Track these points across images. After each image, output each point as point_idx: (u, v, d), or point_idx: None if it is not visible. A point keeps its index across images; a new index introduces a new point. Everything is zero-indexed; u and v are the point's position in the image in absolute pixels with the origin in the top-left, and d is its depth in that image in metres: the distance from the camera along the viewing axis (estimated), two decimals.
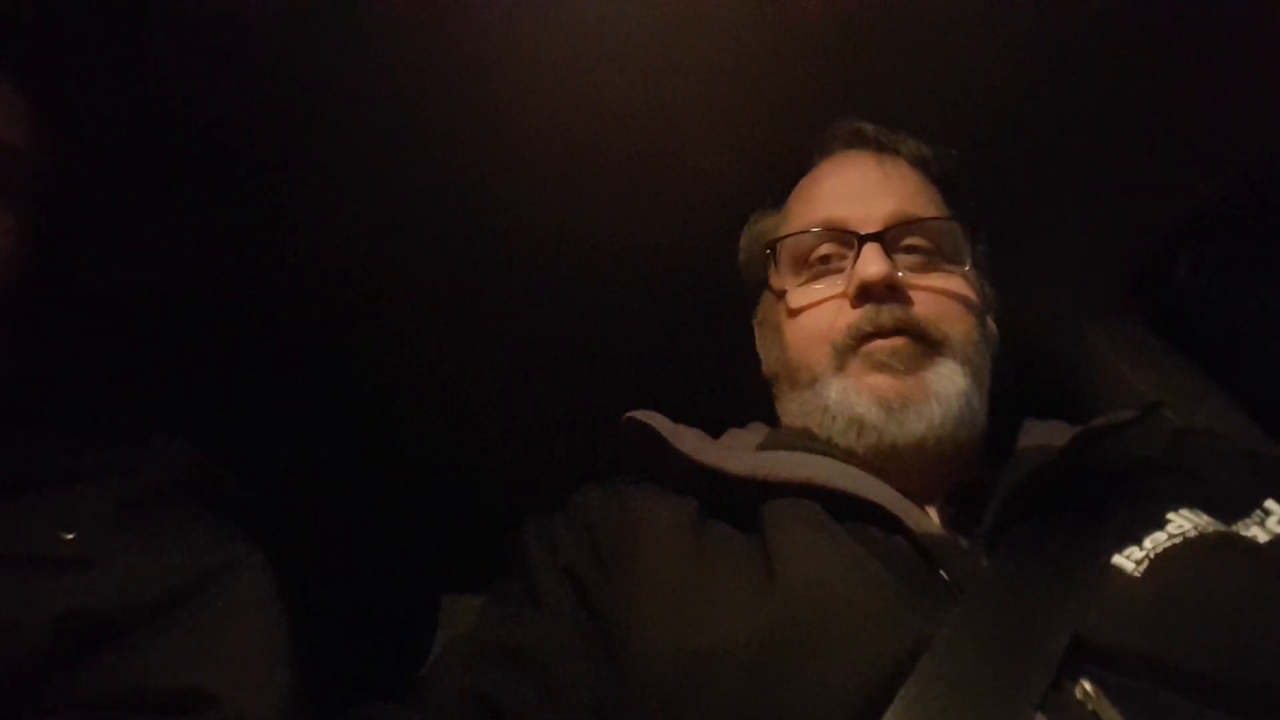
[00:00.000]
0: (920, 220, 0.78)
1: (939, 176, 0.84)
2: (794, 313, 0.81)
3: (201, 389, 0.92)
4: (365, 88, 0.87)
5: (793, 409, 0.80)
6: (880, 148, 0.84)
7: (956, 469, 0.74)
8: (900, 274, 0.76)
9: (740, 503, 0.70)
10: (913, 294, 0.76)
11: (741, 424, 0.87)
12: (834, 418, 0.75)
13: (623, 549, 0.70)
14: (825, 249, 0.80)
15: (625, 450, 0.79)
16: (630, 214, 0.97)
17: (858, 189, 0.81)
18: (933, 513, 0.72)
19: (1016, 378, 0.82)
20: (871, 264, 0.74)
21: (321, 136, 0.90)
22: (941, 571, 0.64)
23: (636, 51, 0.86)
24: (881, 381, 0.73)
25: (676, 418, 0.80)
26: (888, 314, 0.74)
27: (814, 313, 0.79)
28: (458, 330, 1.06)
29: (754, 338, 0.90)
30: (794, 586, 0.61)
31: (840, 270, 0.78)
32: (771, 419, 0.86)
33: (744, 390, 0.88)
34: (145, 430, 0.74)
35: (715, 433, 0.83)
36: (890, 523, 0.67)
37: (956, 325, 0.76)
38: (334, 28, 0.83)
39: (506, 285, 1.03)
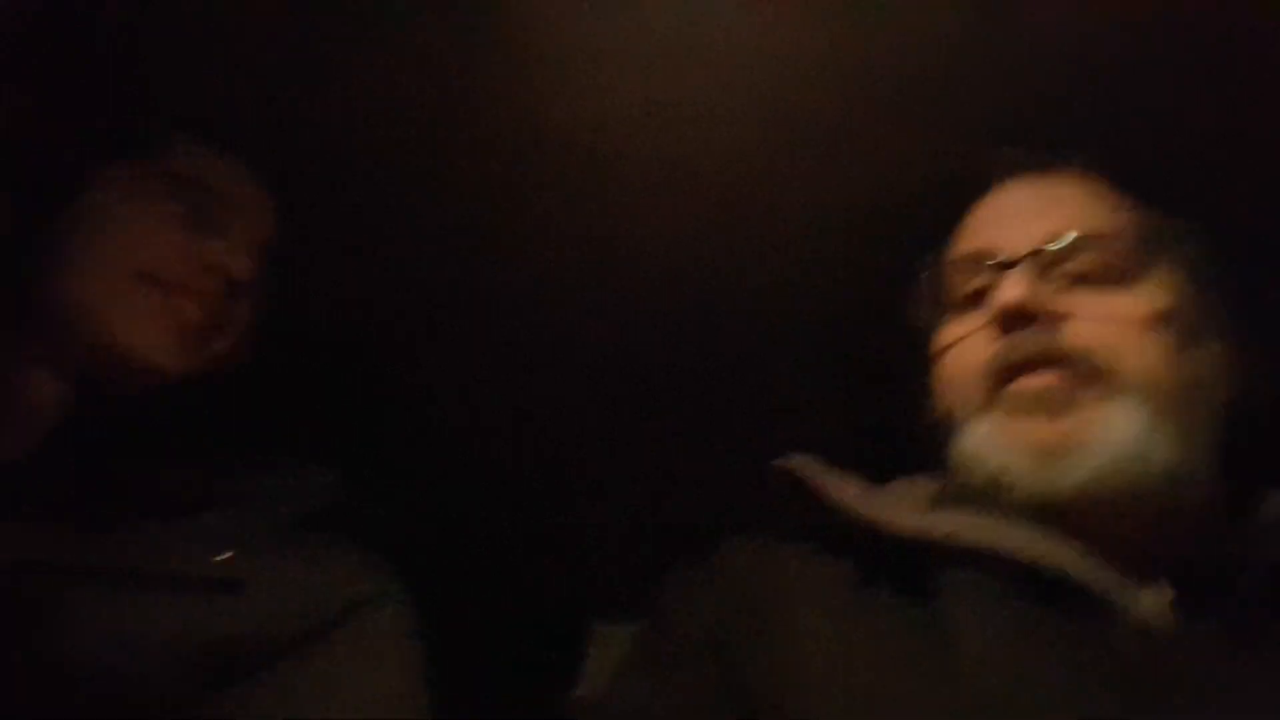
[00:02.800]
0: (1082, 237, 0.67)
1: (1131, 178, 0.73)
2: (943, 350, 0.71)
3: (348, 420, 0.93)
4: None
5: (953, 460, 0.69)
6: (1042, 167, 0.73)
7: (1182, 533, 0.61)
8: (1057, 298, 0.65)
9: (910, 565, 0.60)
10: (1073, 321, 0.64)
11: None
12: (975, 469, 0.64)
13: (776, 609, 0.62)
14: (977, 282, 0.70)
15: (775, 500, 0.71)
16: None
17: (1009, 214, 0.71)
18: (1162, 593, 0.58)
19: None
20: (1009, 289, 0.64)
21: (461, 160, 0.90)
22: (1163, 671, 0.52)
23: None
24: (1026, 427, 0.62)
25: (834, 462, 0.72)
26: (1031, 343, 0.63)
27: (959, 349, 0.69)
28: (608, 357, 1.03)
29: None
30: (981, 690, 0.52)
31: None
32: None
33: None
34: (296, 460, 0.76)
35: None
36: (1104, 609, 0.55)
37: (1134, 353, 0.63)
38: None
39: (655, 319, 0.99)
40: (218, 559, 0.64)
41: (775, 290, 0.96)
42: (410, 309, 1.00)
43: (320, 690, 0.63)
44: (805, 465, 0.68)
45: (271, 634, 0.63)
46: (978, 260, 0.70)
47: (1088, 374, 0.62)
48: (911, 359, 0.77)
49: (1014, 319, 0.64)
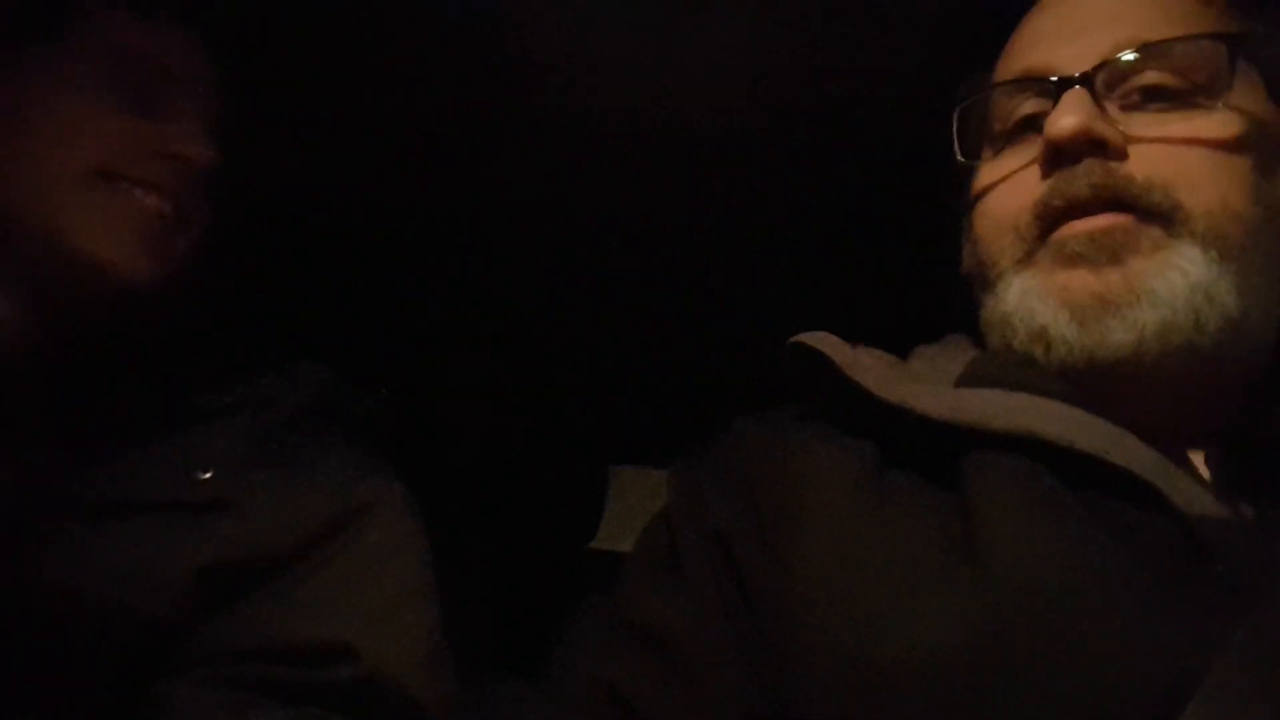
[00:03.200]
0: (1150, 46, 0.57)
1: None
2: (980, 193, 0.63)
3: (339, 299, 0.89)
4: None
5: (986, 320, 0.63)
6: None
7: (1231, 402, 0.56)
8: (1119, 124, 0.56)
9: (934, 450, 0.54)
10: (1136, 149, 0.56)
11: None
12: (1014, 329, 0.58)
13: (786, 507, 0.56)
14: (1028, 107, 0.61)
15: (793, 380, 0.64)
16: None
17: (1070, 24, 0.61)
18: (1202, 471, 0.54)
19: None
20: (1064, 114, 0.56)
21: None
22: (1220, 567, 0.46)
23: None
24: (1073, 279, 0.55)
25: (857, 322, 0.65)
26: (1084, 179, 0.55)
27: (1001, 190, 0.61)
28: (619, 205, 0.99)
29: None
30: (1011, 582, 0.46)
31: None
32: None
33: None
34: (276, 356, 0.71)
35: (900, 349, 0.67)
36: (1145, 494, 0.49)
37: (1201, 188, 0.54)
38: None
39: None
40: (202, 477, 0.61)
41: (802, 143, 0.89)
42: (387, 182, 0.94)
43: (325, 605, 0.60)
44: (824, 342, 0.61)
45: (265, 549, 0.60)
46: (1028, 81, 0.61)
47: (1150, 214, 0.54)
48: (945, 205, 0.70)
49: (1068, 150, 0.56)
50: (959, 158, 0.66)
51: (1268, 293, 0.56)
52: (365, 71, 0.83)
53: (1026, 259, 0.58)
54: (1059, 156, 0.56)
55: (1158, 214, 0.54)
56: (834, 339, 0.62)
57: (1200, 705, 0.40)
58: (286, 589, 0.60)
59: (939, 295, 0.69)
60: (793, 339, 0.62)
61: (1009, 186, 0.61)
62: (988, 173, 0.63)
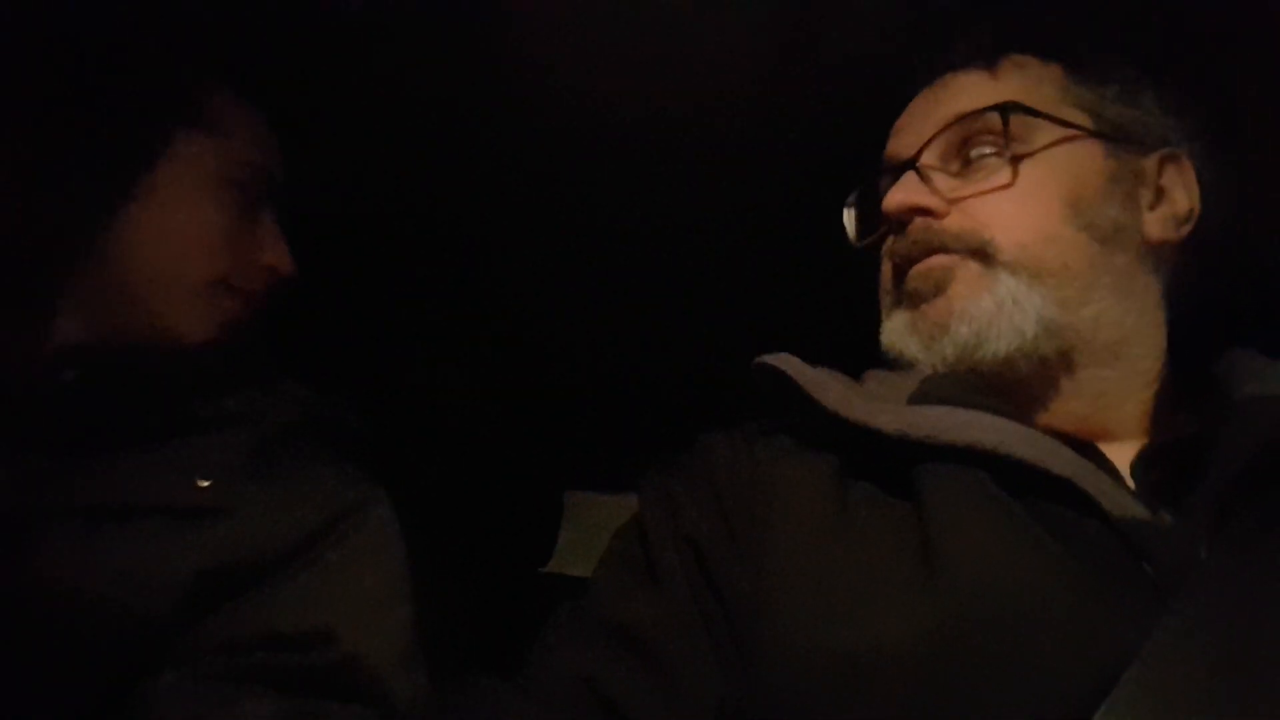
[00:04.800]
0: (954, 120, 0.69)
1: (1035, 46, 0.72)
2: (879, 255, 0.75)
3: (321, 323, 0.91)
4: None
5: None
6: (933, 71, 0.74)
7: (1141, 409, 0.65)
8: (943, 190, 0.68)
9: (890, 462, 0.60)
10: (957, 207, 0.67)
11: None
12: (893, 360, 0.69)
13: (754, 515, 0.61)
14: (886, 187, 0.72)
15: (758, 398, 0.70)
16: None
17: (911, 117, 0.74)
18: (1127, 475, 0.61)
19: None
20: (894, 193, 0.69)
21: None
22: (1145, 565, 0.52)
23: None
24: (910, 314, 0.68)
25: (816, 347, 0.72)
26: (910, 238, 0.68)
27: (882, 259, 0.74)
28: (582, 229, 1.00)
29: None
30: (962, 581, 0.51)
31: None
32: None
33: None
34: (267, 374, 0.75)
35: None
36: (1079, 500, 0.56)
37: (1011, 226, 0.65)
38: None
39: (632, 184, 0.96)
40: (202, 484, 0.65)
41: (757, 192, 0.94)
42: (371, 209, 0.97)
43: (311, 598, 0.64)
44: (787, 363, 0.67)
45: (258, 553, 0.64)
46: (885, 168, 0.74)
47: (969, 253, 0.65)
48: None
49: (897, 219, 0.68)
50: (854, 243, 0.78)
51: (1110, 299, 0.66)
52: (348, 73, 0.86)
53: (894, 304, 0.70)
54: (894, 226, 0.69)
55: (974, 252, 0.66)
56: (796, 360, 0.68)
57: (1132, 680, 0.45)
58: (275, 586, 0.64)
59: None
60: (757, 360, 0.69)
61: (884, 250, 0.73)
62: (879, 240, 0.75)
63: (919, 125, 0.71)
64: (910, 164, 0.69)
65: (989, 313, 0.63)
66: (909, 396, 0.66)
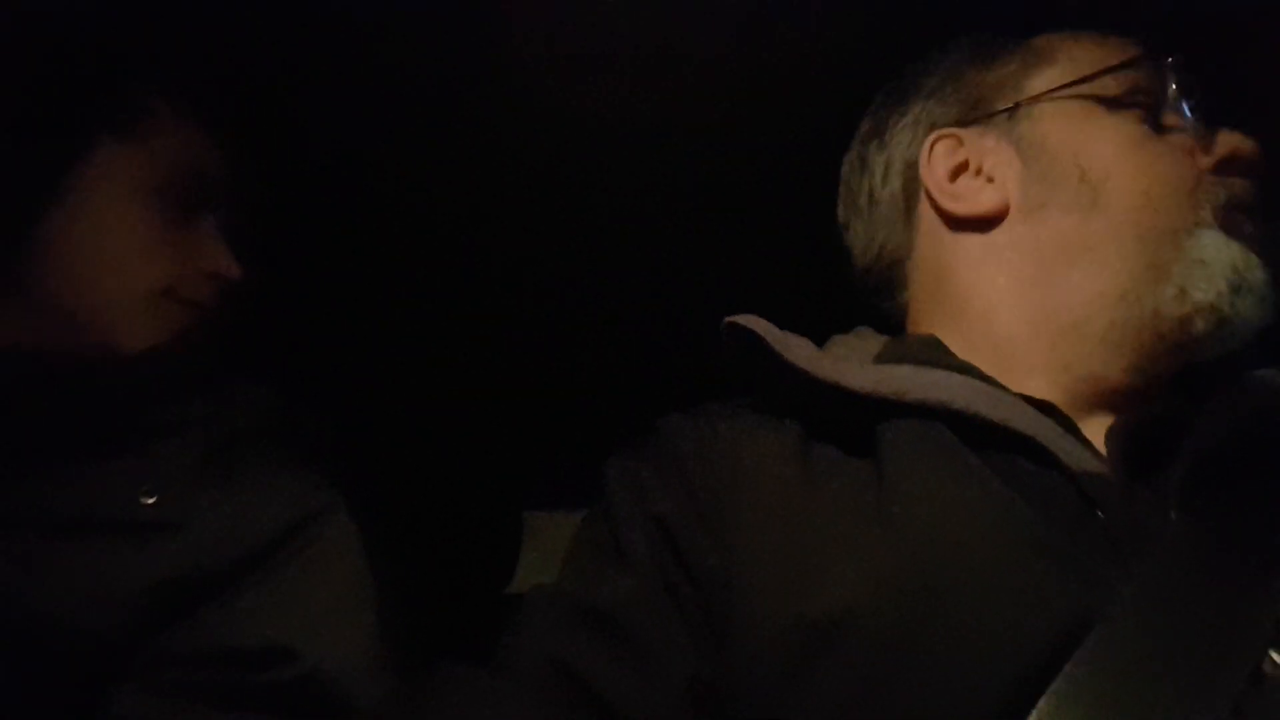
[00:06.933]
0: None
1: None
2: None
3: (277, 327, 0.89)
4: None
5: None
6: None
7: (1123, 395, 0.64)
8: None
9: (853, 424, 0.60)
10: None
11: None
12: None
13: (720, 493, 0.60)
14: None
15: (726, 361, 0.68)
16: None
17: None
18: (1098, 450, 0.60)
19: None
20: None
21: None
22: (1101, 514, 0.52)
23: None
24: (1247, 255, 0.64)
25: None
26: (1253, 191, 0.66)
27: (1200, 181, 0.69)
28: (541, 239, 1.00)
29: None
30: (915, 536, 0.51)
31: None
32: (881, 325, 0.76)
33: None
34: (222, 376, 0.73)
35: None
36: (1037, 454, 0.56)
37: None
38: None
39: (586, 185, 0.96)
40: (147, 501, 0.63)
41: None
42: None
43: (270, 612, 0.63)
44: (758, 324, 0.65)
45: (213, 566, 0.62)
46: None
47: None
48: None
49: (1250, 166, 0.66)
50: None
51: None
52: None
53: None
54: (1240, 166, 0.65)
55: None
56: (765, 322, 0.65)
57: (1099, 637, 0.45)
58: (231, 599, 0.63)
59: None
60: (728, 319, 0.66)
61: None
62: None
63: None
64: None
65: None
66: (875, 357, 0.67)
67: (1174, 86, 0.67)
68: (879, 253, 0.75)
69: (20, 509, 0.61)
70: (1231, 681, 0.44)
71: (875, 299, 0.77)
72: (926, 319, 0.71)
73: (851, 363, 0.65)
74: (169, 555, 0.61)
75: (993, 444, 0.56)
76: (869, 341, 0.71)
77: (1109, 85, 0.66)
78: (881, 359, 0.67)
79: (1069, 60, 0.68)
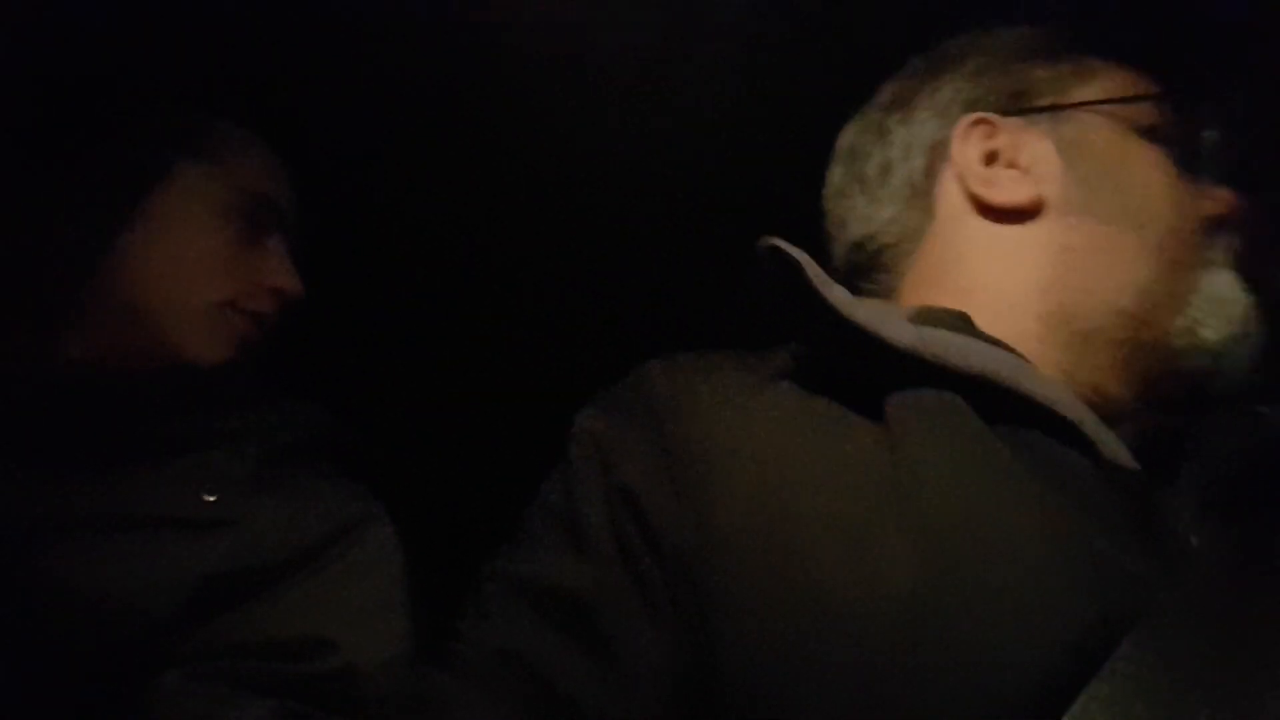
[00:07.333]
0: None
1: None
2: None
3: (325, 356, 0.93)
4: None
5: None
6: None
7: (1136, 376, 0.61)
8: None
9: (863, 389, 0.54)
10: None
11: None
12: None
13: (696, 453, 0.53)
14: None
15: (752, 285, 0.58)
16: None
17: None
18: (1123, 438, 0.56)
19: None
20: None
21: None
22: (1140, 515, 0.49)
23: None
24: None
25: None
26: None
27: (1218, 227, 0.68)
28: (541, 239, 1.00)
29: None
30: (931, 519, 0.46)
31: None
32: None
33: None
34: (277, 394, 0.79)
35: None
36: (1071, 436, 0.52)
37: None
38: None
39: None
40: (208, 499, 0.68)
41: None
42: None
43: (312, 607, 0.67)
44: (801, 255, 0.56)
45: (263, 562, 0.67)
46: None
47: None
48: None
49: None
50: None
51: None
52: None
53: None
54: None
55: None
56: (808, 256, 0.57)
57: (1138, 639, 0.42)
58: (278, 594, 0.67)
59: None
60: (769, 241, 0.57)
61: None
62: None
63: None
64: None
65: None
66: (907, 317, 0.59)
67: (1206, 130, 0.65)
68: (877, 229, 0.69)
69: (92, 503, 0.66)
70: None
71: (855, 277, 0.70)
72: (921, 303, 0.65)
73: (891, 318, 0.57)
74: (224, 549, 0.66)
75: (1019, 422, 0.52)
76: (893, 308, 0.65)
77: (1150, 113, 0.64)
78: (915, 319, 0.59)
79: (1113, 79, 0.66)
